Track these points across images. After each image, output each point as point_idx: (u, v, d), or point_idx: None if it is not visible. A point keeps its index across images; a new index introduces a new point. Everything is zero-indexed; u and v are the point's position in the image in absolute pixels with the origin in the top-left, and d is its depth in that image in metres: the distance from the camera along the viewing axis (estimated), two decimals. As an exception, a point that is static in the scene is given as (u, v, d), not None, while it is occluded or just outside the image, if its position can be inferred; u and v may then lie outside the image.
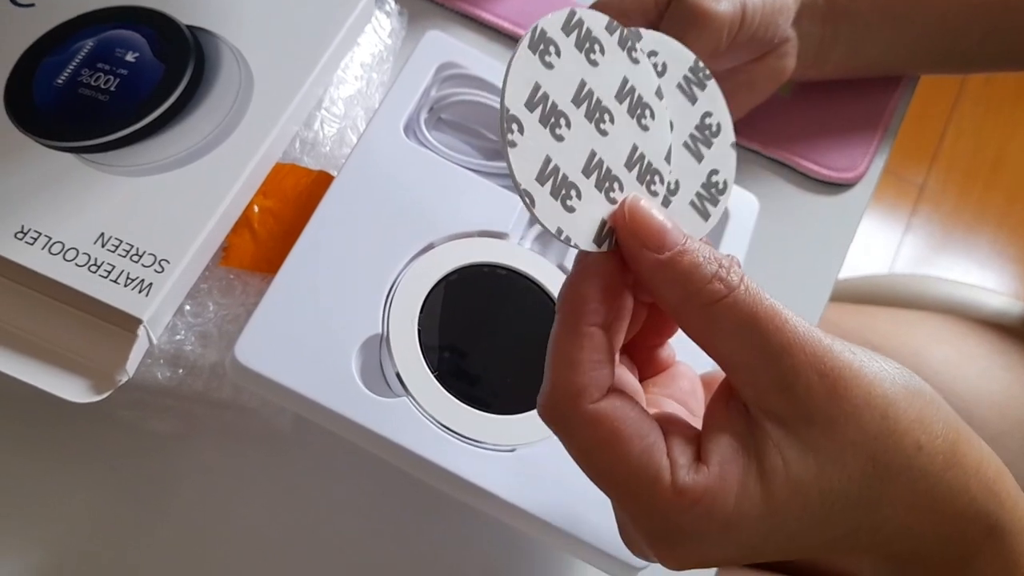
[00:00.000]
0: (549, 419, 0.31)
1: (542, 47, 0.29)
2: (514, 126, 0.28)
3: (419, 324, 0.42)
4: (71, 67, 0.45)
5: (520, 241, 0.46)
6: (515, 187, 0.29)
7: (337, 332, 0.41)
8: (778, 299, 0.53)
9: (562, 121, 0.30)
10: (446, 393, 0.41)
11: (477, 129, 0.49)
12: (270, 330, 0.40)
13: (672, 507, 0.30)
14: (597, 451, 0.30)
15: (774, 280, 0.53)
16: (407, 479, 0.44)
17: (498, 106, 0.46)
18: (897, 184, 1.63)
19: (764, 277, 0.52)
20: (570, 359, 0.31)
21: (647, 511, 0.30)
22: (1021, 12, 0.55)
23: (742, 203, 0.50)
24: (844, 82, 0.59)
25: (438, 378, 0.41)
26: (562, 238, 0.30)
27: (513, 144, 0.28)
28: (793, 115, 0.58)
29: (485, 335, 0.43)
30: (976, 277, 1.57)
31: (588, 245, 0.30)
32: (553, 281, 0.44)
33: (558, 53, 0.29)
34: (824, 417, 0.30)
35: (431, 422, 0.40)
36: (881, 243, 1.59)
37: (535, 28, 0.29)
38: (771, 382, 0.30)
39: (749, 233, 0.49)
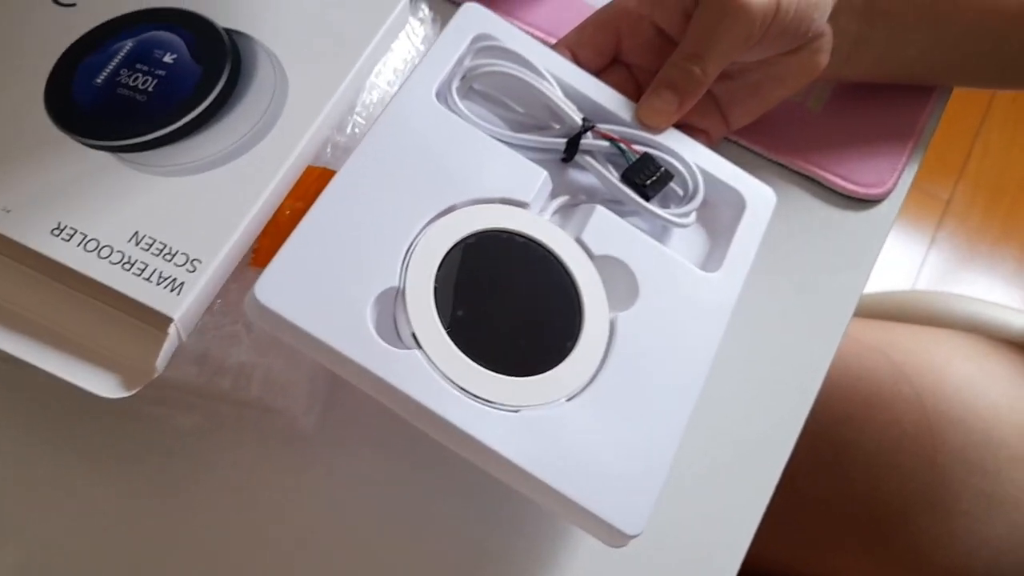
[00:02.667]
0: None
1: None
2: None
3: (435, 281, 0.43)
4: (110, 67, 0.46)
5: (540, 212, 0.46)
6: None
7: (355, 281, 0.41)
8: (801, 315, 0.53)
9: None
10: (456, 349, 0.42)
11: (506, 101, 0.50)
12: (291, 273, 0.41)
13: None
14: None
15: (798, 295, 0.53)
16: (430, 483, 0.44)
17: (529, 80, 0.48)
18: (923, 199, 1.63)
19: (788, 291, 0.53)
20: None
21: None
22: None
23: (758, 194, 0.50)
24: (874, 97, 0.59)
25: (449, 334, 0.42)
26: None
27: None
28: (822, 129, 0.58)
29: (499, 298, 0.44)
30: (1000, 294, 1.56)
31: None
32: (569, 253, 0.45)
33: None
34: None
35: (439, 375, 0.41)
36: (905, 257, 1.58)
37: None
38: None
39: (764, 224, 0.50)
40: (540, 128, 0.49)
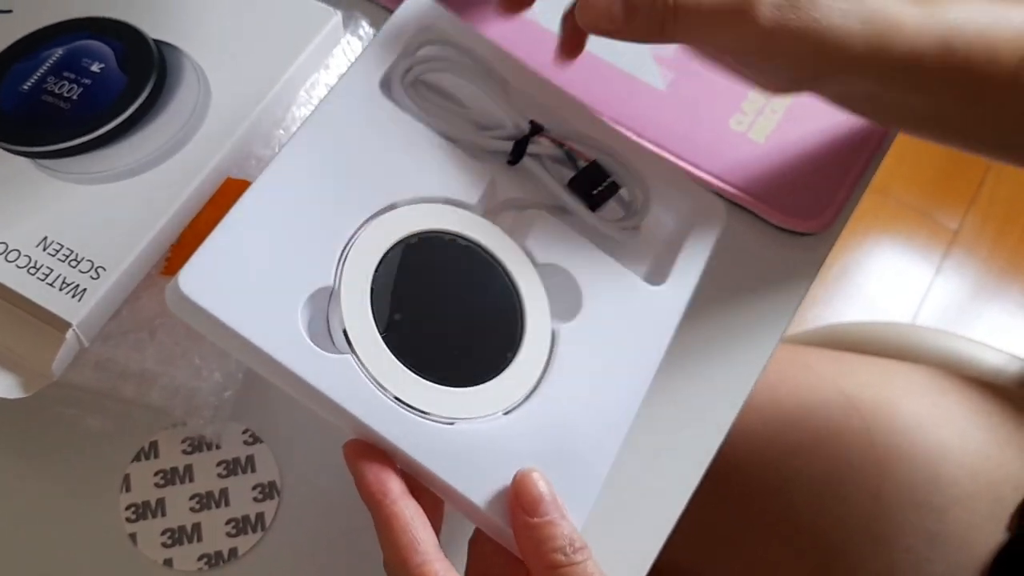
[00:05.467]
0: None
1: None
2: None
3: (372, 282, 0.41)
4: (38, 74, 0.47)
5: (485, 214, 0.45)
6: None
7: (287, 278, 0.39)
8: (726, 342, 0.53)
9: None
10: (391, 356, 0.40)
11: (454, 97, 0.48)
12: (218, 265, 0.38)
13: None
14: None
15: (725, 322, 0.53)
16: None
17: (476, 78, 0.46)
18: (931, 226, 1.61)
19: (716, 318, 0.53)
20: (393, 532, 0.37)
21: None
22: None
23: (708, 207, 0.49)
24: (819, 131, 0.58)
25: (385, 339, 0.40)
26: None
27: None
28: (763, 160, 0.58)
29: (439, 304, 0.42)
30: (1006, 326, 1.54)
31: None
32: (513, 260, 0.44)
33: None
34: None
35: (372, 383, 0.39)
36: (910, 284, 1.57)
37: None
38: None
39: (713, 238, 0.49)
40: (487, 128, 0.47)
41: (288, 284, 0.39)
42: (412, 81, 0.47)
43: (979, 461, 0.69)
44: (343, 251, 0.41)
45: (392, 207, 0.43)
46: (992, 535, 0.67)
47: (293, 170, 0.41)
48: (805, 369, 0.75)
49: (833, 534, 0.69)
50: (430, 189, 0.44)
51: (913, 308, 1.55)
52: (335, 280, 0.40)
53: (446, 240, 0.43)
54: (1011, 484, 0.69)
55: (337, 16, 0.51)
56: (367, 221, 0.42)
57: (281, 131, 0.50)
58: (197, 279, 0.38)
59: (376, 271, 0.41)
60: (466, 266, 0.44)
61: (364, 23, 0.54)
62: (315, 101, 0.51)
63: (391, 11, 0.58)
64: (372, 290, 0.41)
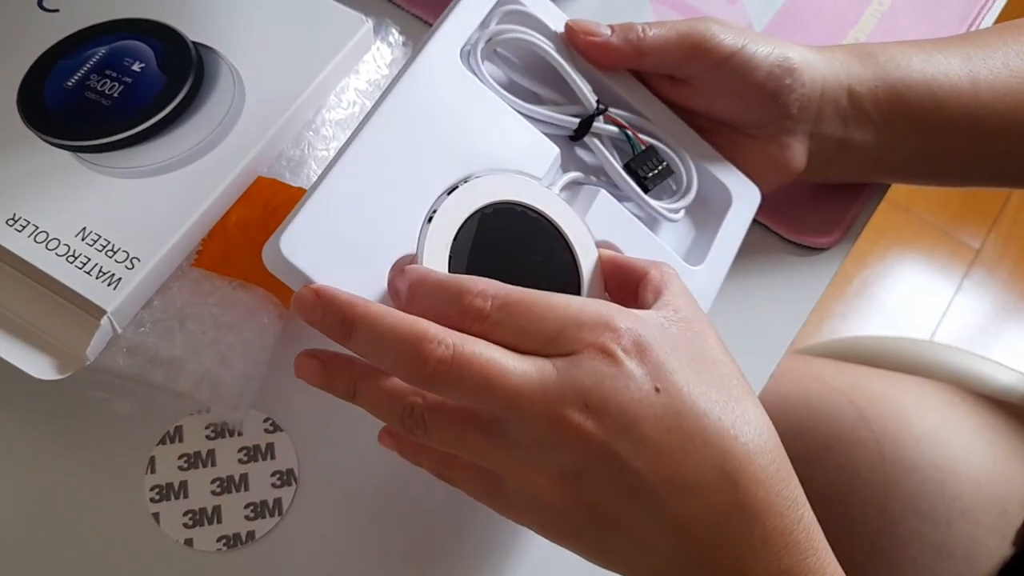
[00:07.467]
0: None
1: None
2: None
3: (450, 250, 0.44)
4: (82, 71, 0.49)
5: (549, 187, 0.48)
6: None
7: (375, 246, 0.42)
8: (733, 352, 0.54)
9: None
10: None
11: (524, 68, 0.50)
12: (315, 229, 0.41)
13: None
14: None
15: (733, 334, 0.54)
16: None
17: (552, 54, 0.48)
18: (953, 245, 1.61)
19: (725, 327, 0.54)
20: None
21: None
22: None
23: (745, 191, 0.52)
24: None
25: None
26: None
27: None
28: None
29: (507, 270, 0.45)
30: (1023, 347, 1.54)
31: None
32: (576, 234, 0.47)
33: None
34: None
35: None
36: (930, 302, 1.57)
37: None
38: None
39: (748, 220, 0.52)
40: (556, 103, 0.50)
41: (376, 251, 0.42)
42: (490, 52, 0.49)
43: (985, 475, 0.70)
44: (426, 220, 0.44)
45: (469, 178, 0.45)
46: (996, 549, 0.68)
47: (382, 139, 0.43)
48: (817, 380, 0.76)
49: (840, 543, 0.69)
50: (503, 162, 0.46)
51: (932, 326, 1.55)
52: (417, 247, 0.43)
53: (517, 211, 0.46)
54: (1016, 500, 0.69)
55: (368, 24, 0.52)
56: (447, 192, 0.45)
57: (311, 132, 0.51)
58: (297, 241, 0.40)
59: (455, 239, 0.44)
60: (534, 236, 0.46)
61: (394, 31, 0.56)
62: (344, 105, 0.53)
63: (421, 19, 0.61)
64: (450, 257, 0.44)
